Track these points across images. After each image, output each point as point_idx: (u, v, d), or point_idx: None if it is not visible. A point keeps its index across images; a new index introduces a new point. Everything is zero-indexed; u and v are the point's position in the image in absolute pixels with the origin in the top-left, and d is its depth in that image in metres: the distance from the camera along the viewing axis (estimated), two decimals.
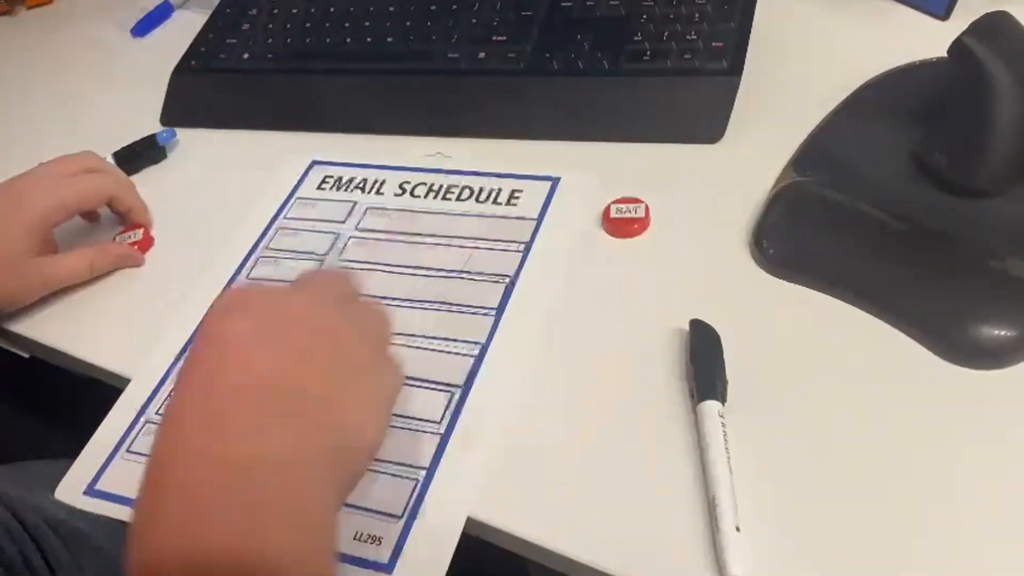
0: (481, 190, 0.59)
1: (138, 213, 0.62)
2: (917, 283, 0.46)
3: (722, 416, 0.42)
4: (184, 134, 0.70)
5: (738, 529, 0.39)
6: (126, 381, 0.54)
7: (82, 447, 0.51)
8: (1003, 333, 0.43)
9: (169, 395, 0.51)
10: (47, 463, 0.55)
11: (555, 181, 0.58)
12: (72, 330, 0.58)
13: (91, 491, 0.49)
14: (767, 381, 0.45)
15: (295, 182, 0.64)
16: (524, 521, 0.42)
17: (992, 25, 0.48)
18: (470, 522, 0.43)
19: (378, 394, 0.38)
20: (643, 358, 0.47)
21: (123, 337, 0.56)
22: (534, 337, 0.50)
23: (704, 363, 0.44)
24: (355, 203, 0.61)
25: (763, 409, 0.44)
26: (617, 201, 0.54)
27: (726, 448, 0.41)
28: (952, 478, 0.40)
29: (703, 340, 0.45)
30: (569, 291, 0.52)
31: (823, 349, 0.46)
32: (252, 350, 0.34)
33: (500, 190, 0.58)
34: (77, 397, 0.70)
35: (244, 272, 0.58)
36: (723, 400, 0.43)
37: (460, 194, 0.59)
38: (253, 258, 0.59)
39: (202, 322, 0.39)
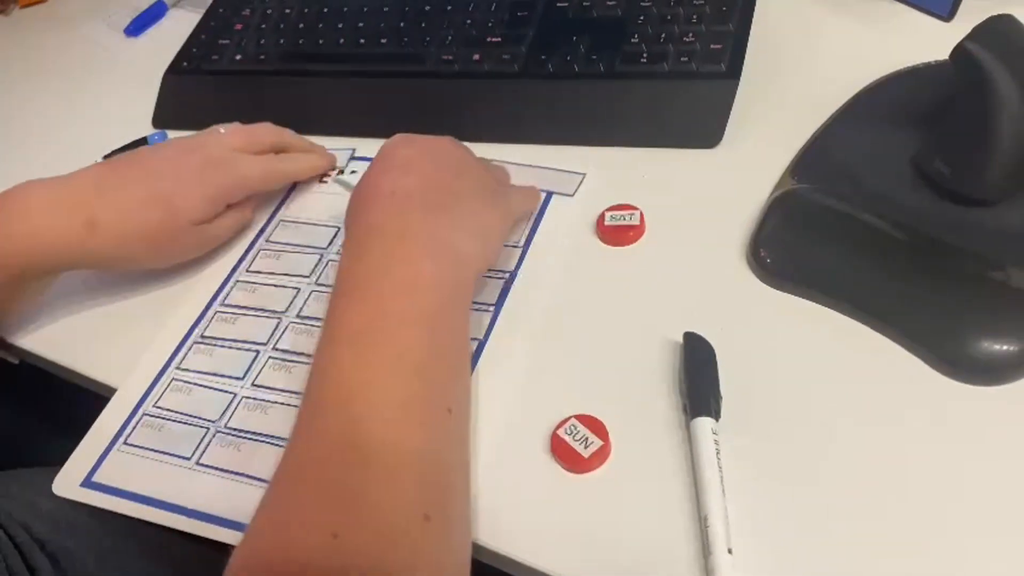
0: None
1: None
2: (916, 295, 0.45)
3: (715, 433, 0.41)
4: (176, 136, 0.69)
5: (730, 551, 0.38)
6: (112, 390, 0.53)
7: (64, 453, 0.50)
8: (1004, 348, 0.42)
9: (164, 392, 0.53)
10: (36, 471, 0.55)
11: (549, 194, 0.57)
12: (59, 336, 0.57)
13: (88, 483, 0.49)
14: (762, 396, 0.44)
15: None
16: (511, 540, 0.42)
17: (996, 29, 0.47)
18: None
19: (506, 210, 0.51)
20: (636, 370, 0.46)
21: (112, 344, 0.56)
22: (530, 336, 0.49)
23: (698, 378, 0.43)
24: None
25: (758, 425, 0.43)
26: (611, 208, 0.53)
27: (719, 467, 0.40)
28: (951, 497, 0.39)
29: (697, 354, 0.44)
30: (563, 299, 0.51)
31: (820, 363, 0.45)
32: (417, 165, 0.48)
33: None
34: (68, 402, 0.70)
35: (243, 266, 0.58)
36: (717, 416, 0.42)
37: None
38: (253, 251, 0.59)
39: (376, 153, 0.50)
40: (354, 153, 0.63)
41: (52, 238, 0.51)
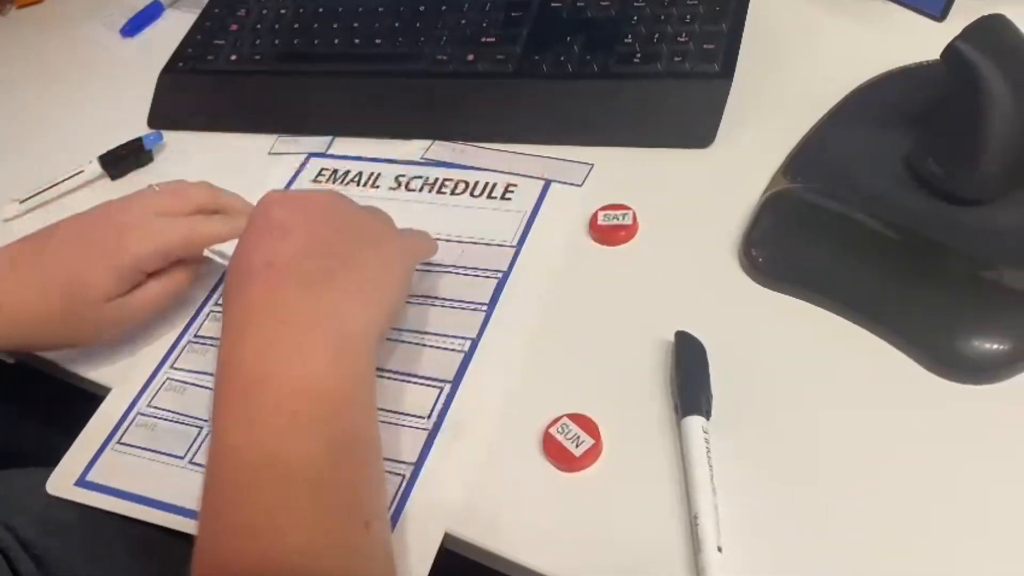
0: (476, 184, 0.59)
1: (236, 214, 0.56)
2: (908, 294, 0.45)
3: (706, 432, 0.41)
4: (171, 137, 0.70)
5: (720, 549, 0.38)
6: (106, 390, 0.54)
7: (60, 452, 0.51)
8: (995, 347, 0.42)
9: (158, 392, 0.53)
10: (28, 471, 0.55)
11: (547, 183, 0.57)
12: None
13: (82, 482, 0.49)
14: (753, 395, 0.44)
15: (291, 175, 0.64)
16: (503, 537, 0.42)
17: (987, 29, 0.47)
18: (449, 538, 0.43)
19: (399, 255, 0.48)
20: (628, 369, 0.46)
21: (105, 346, 0.56)
22: (524, 335, 0.49)
23: (689, 377, 0.44)
24: (355, 197, 0.60)
25: (749, 424, 0.43)
26: (604, 208, 0.53)
27: (709, 465, 0.40)
28: (942, 495, 0.39)
29: (688, 353, 0.44)
30: (556, 299, 0.51)
31: (812, 362, 0.45)
32: (295, 227, 0.44)
33: (495, 184, 0.58)
34: (63, 402, 0.70)
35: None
36: (708, 415, 0.42)
37: (455, 188, 0.59)
38: None
39: (250, 216, 0.46)
40: (349, 163, 0.63)
41: None
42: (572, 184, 0.57)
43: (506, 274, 0.53)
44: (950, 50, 0.47)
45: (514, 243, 0.54)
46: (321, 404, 0.39)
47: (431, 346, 0.50)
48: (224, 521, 0.38)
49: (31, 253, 0.51)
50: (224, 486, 0.38)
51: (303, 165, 0.64)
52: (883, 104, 0.54)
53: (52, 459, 0.51)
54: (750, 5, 0.60)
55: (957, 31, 0.47)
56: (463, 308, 0.52)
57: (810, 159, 0.53)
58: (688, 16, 0.60)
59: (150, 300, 0.52)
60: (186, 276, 0.54)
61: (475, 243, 0.55)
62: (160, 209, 0.52)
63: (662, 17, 0.60)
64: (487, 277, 0.53)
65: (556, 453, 0.43)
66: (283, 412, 0.39)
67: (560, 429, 0.44)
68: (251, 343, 0.40)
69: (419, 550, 0.42)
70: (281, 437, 0.38)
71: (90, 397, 0.55)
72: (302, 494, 0.37)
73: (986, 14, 0.47)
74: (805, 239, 0.49)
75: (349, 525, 0.37)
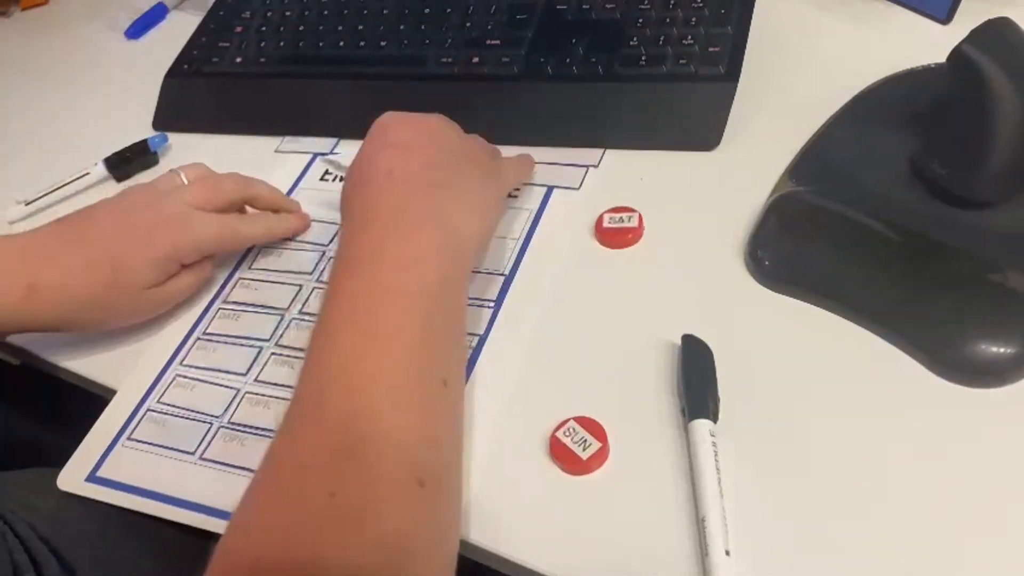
0: None
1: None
2: (914, 297, 0.45)
3: (713, 436, 0.41)
4: (176, 139, 0.70)
5: (728, 553, 0.38)
6: (112, 392, 0.54)
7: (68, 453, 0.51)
8: (1001, 350, 0.42)
9: (168, 388, 0.53)
10: (36, 472, 0.55)
11: (549, 189, 0.57)
12: (60, 339, 0.57)
13: (93, 478, 0.50)
14: (760, 398, 0.44)
15: (298, 174, 0.64)
16: (510, 540, 0.42)
17: (993, 32, 0.47)
18: None
19: (500, 186, 0.53)
20: (635, 372, 0.46)
21: (112, 347, 0.56)
22: (529, 333, 0.50)
23: (696, 381, 0.44)
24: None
25: (756, 427, 0.43)
26: (610, 210, 0.53)
27: (717, 469, 0.40)
28: (948, 498, 0.39)
29: (695, 356, 0.44)
30: (561, 301, 0.51)
31: (818, 365, 0.45)
32: (415, 143, 0.48)
33: None
34: (69, 404, 0.70)
35: (245, 264, 0.59)
36: (715, 419, 0.42)
37: None
38: (255, 248, 0.59)
39: (368, 133, 0.50)
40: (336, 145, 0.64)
41: None
42: (570, 188, 0.57)
43: (512, 273, 0.53)
44: (956, 53, 0.47)
45: (519, 243, 0.55)
46: (427, 274, 0.43)
47: None
48: (323, 349, 0.42)
49: (75, 236, 0.53)
50: (329, 322, 0.43)
51: (309, 165, 0.64)
52: (888, 107, 0.54)
53: (59, 460, 0.51)
54: (755, 8, 0.60)
55: (962, 34, 0.47)
56: (470, 305, 0.52)
57: (816, 162, 0.53)
58: (693, 19, 0.60)
59: (181, 290, 0.55)
60: (211, 270, 0.56)
61: None
62: (196, 201, 0.54)
63: (667, 20, 0.60)
64: (494, 275, 0.53)
65: (563, 456, 0.43)
66: (392, 283, 0.43)
67: (567, 432, 0.44)
68: (372, 232, 0.45)
69: None
70: (390, 296, 0.42)
71: (96, 398, 0.55)
72: (396, 347, 0.41)
73: (992, 17, 0.47)
74: (811, 242, 0.49)
75: (431, 379, 0.42)
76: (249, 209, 0.59)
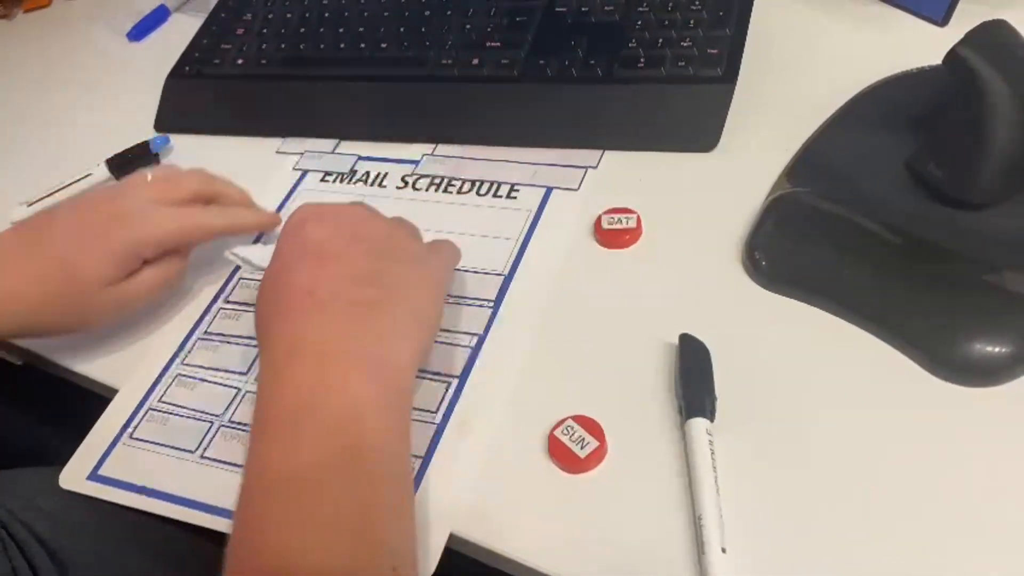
0: (482, 183, 0.59)
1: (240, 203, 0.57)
2: (911, 298, 0.46)
3: (710, 434, 0.42)
4: (178, 140, 0.70)
5: (724, 551, 0.38)
6: (113, 392, 0.54)
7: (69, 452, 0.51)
8: (997, 350, 0.43)
9: (169, 387, 0.53)
10: (37, 471, 0.55)
11: (548, 190, 0.57)
12: (62, 338, 0.57)
13: (94, 476, 0.50)
14: (757, 397, 0.44)
15: (299, 176, 0.64)
16: (508, 539, 0.42)
17: (989, 35, 0.47)
18: (454, 538, 0.43)
19: (434, 276, 0.47)
20: (632, 372, 0.47)
21: (114, 346, 0.56)
22: (529, 334, 0.50)
23: (693, 379, 0.44)
24: (362, 196, 0.61)
25: (753, 426, 0.43)
26: (609, 211, 0.54)
27: (713, 467, 0.41)
28: (945, 497, 0.40)
29: (692, 355, 0.45)
30: (560, 301, 0.51)
31: (815, 365, 0.45)
32: (335, 249, 0.43)
33: (500, 184, 0.59)
34: (70, 403, 0.70)
35: (248, 266, 0.58)
36: (712, 417, 0.43)
37: (461, 187, 0.60)
38: (258, 251, 0.59)
39: (282, 231, 0.46)
40: (356, 163, 0.64)
41: None
42: (569, 189, 0.57)
43: (511, 273, 0.53)
44: (952, 55, 0.47)
45: (519, 243, 0.55)
46: (365, 435, 0.39)
47: (439, 341, 0.51)
48: (254, 540, 0.37)
49: (29, 240, 0.52)
50: (257, 507, 0.38)
51: (301, 179, 0.64)
52: (885, 108, 0.55)
53: (60, 459, 0.52)
54: (753, 10, 0.60)
55: (959, 36, 0.48)
56: (470, 304, 0.52)
57: (813, 163, 0.53)
58: (692, 21, 0.60)
59: (145, 287, 0.52)
60: (180, 265, 0.54)
61: (482, 239, 0.56)
62: (156, 196, 0.52)
63: (666, 22, 0.61)
64: (493, 275, 0.53)
65: (561, 455, 0.43)
66: (326, 446, 0.38)
67: (565, 431, 0.44)
68: (296, 375, 0.40)
69: (424, 550, 0.43)
70: (322, 470, 0.37)
71: (97, 398, 0.56)
72: (335, 529, 0.36)
73: (988, 20, 0.48)
74: (808, 243, 0.49)
75: (378, 567, 0.36)
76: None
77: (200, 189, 0.54)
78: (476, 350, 0.50)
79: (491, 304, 0.52)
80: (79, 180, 0.67)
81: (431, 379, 0.49)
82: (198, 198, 0.54)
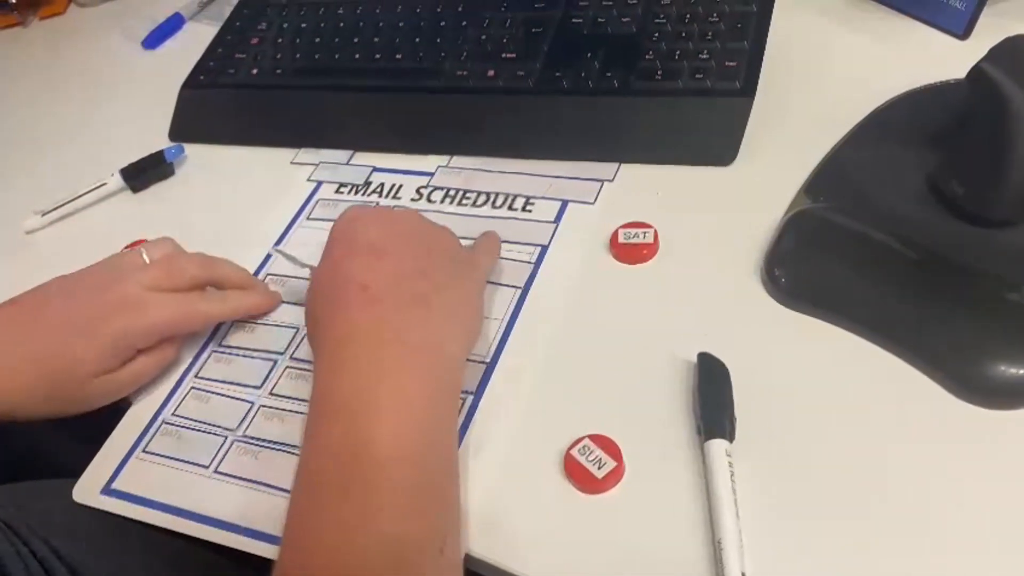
0: (497, 195, 0.59)
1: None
2: (932, 317, 0.45)
3: (729, 456, 0.41)
4: (193, 150, 0.70)
5: (743, 575, 0.38)
6: (127, 404, 0.54)
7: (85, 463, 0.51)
8: (1019, 371, 0.42)
9: (183, 401, 0.53)
10: (51, 483, 0.55)
11: (564, 203, 0.57)
12: None
13: (108, 490, 0.50)
14: (777, 418, 0.44)
15: (314, 187, 0.64)
16: (524, 559, 0.42)
17: (1012, 50, 0.47)
18: (469, 559, 0.42)
19: (477, 278, 0.49)
20: (650, 390, 0.46)
21: None
22: (544, 350, 0.50)
23: (712, 399, 0.43)
24: (376, 204, 0.61)
25: (772, 447, 0.43)
26: (625, 226, 0.53)
27: (733, 490, 0.40)
28: (970, 521, 0.39)
29: (711, 375, 0.44)
30: (576, 316, 0.51)
31: (835, 385, 0.44)
32: (388, 246, 0.45)
33: (516, 196, 0.59)
34: (84, 416, 0.70)
35: (263, 272, 0.59)
36: (731, 438, 0.42)
37: (476, 200, 0.59)
38: (271, 260, 0.60)
39: (332, 229, 0.47)
40: (371, 174, 0.64)
41: None
42: (585, 203, 0.57)
43: (527, 287, 0.53)
44: (976, 71, 0.46)
45: (534, 256, 0.55)
46: (418, 421, 0.40)
47: None
48: (308, 535, 0.38)
49: (23, 327, 0.51)
50: (323, 499, 0.39)
51: (313, 193, 0.64)
52: (906, 123, 0.54)
53: (74, 472, 0.52)
54: (772, 23, 0.59)
55: (980, 49, 0.47)
56: (485, 318, 0.52)
57: (832, 178, 0.53)
58: (710, 33, 0.59)
59: (137, 375, 0.52)
60: (174, 351, 0.54)
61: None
62: (153, 283, 0.51)
63: (683, 34, 0.60)
64: (508, 287, 0.53)
65: (578, 475, 0.43)
66: (383, 445, 0.39)
67: (582, 450, 0.44)
68: (351, 365, 0.41)
69: None
70: (376, 466, 0.39)
71: (110, 411, 0.55)
72: (386, 520, 0.38)
73: (1012, 35, 0.47)
74: (828, 259, 0.49)
75: (428, 549, 0.38)
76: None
77: (199, 274, 0.53)
78: (492, 365, 0.50)
79: (506, 319, 0.52)
80: (93, 189, 0.67)
81: None
82: (197, 283, 0.53)
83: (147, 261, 0.53)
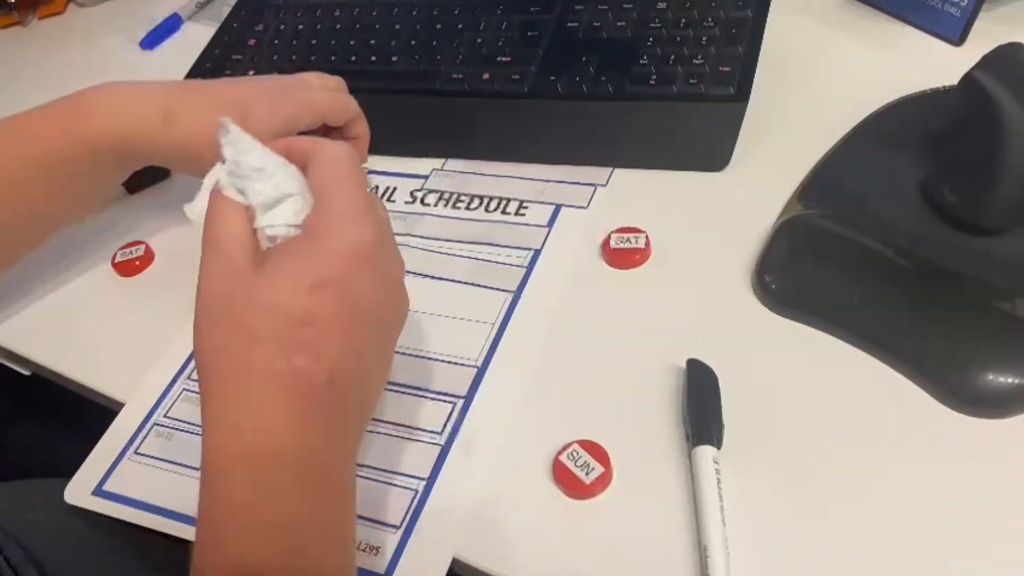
0: (491, 199, 0.59)
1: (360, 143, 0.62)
2: (922, 324, 0.45)
3: (717, 463, 0.41)
4: None
5: None
6: (120, 405, 0.54)
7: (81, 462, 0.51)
8: (1009, 380, 0.42)
9: (175, 403, 0.53)
10: (39, 483, 0.55)
11: (557, 207, 0.57)
12: (69, 349, 0.57)
13: (99, 492, 0.50)
14: (765, 424, 0.44)
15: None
16: (510, 563, 0.42)
17: (1005, 58, 0.47)
18: (457, 563, 0.43)
19: (390, 346, 0.41)
20: (639, 396, 0.46)
21: (121, 357, 0.56)
22: (535, 354, 0.50)
23: (700, 406, 0.43)
24: None
25: (760, 454, 0.43)
26: (618, 231, 0.53)
27: (720, 496, 0.40)
28: (956, 532, 0.39)
29: (700, 382, 0.44)
30: (567, 321, 0.51)
31: (824, 393, 0.44)
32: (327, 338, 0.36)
33: (509, 200, 0.59)
34: (77, 415, 0.70)
35: None
36: (719, 445, 0.42)
37: (470, 203, 0.59)
38: None
39: None
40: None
41: (130, 123, 0.53)
42: (578, 207, 0.57)
43: (518, 291, 0.53)
44: (968, 79, 0.46)
45: (527, 261, 0.55)
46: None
47: (446, 361, 0.51)
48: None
49: (213, 84, 0.58)
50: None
51: None
52: (899, 129, 0.54)
53: (65, 472, 0.52)
54: (767, 28, 0.59)
55: (975, 56, 0.47)
56: (476, 323, 0.52)
57: (825, 185, 0.53)
58: (704, 38, 0.59)
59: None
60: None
61: (487, 260, 0.55)
62: (316, 83, 0.59)
63: (678, 39, 0.60)
64: (500, 291, 0.53)
65: (566, 480, 0.43)
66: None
67: (570, 456, 0.44)
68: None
69: (429, 571, 0.42)
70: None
71: (102, 410, 0.56)
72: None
73: (1005, 43, 0.47)
74: (819, 266, 0.49)
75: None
76: None
77: (353, 109, 0.60)
78: (482, 370, 0.50)
79: (497, 324, 0.52)
80: None
81: (437, 399, 0.49)
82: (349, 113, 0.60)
83: (319, 82, 0.60)
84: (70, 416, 0.73)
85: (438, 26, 0.68)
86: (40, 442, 0.73)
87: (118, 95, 0.54)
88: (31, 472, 0.58)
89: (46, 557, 0.49)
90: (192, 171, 0.55)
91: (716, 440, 0.42)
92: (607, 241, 0.53)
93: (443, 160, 0.63)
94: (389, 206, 0.61)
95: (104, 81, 0.58)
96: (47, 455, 0.72)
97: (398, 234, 0.55)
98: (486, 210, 0.59)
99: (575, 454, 0.44)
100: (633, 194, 0.56)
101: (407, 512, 0.44)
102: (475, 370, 0.50)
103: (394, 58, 0.67)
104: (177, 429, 0.52)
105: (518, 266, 0.55)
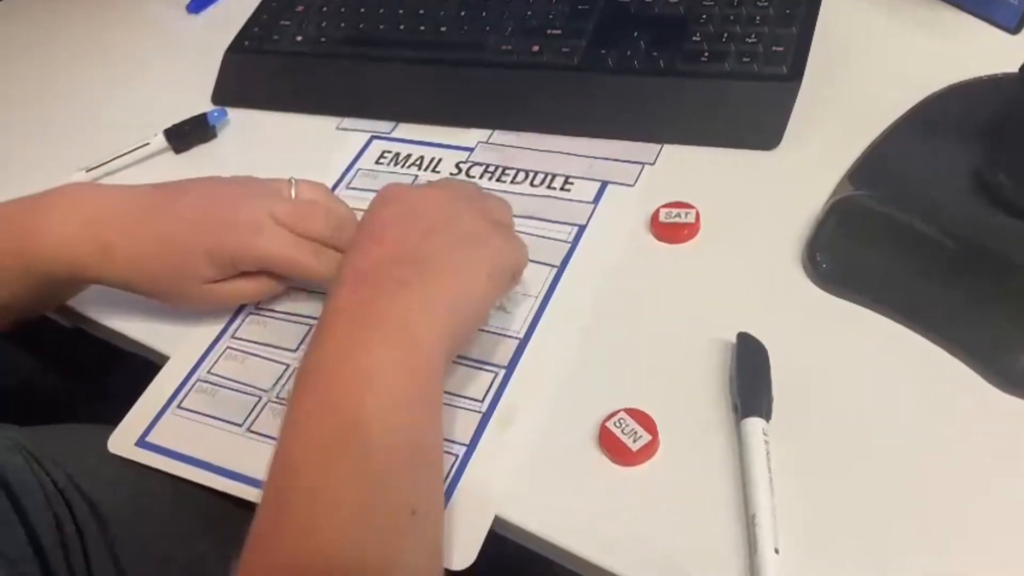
0: (536, 173, 0.59)
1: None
2: (972, 307, 0.45)
3: (766, 434, 0.41)
4: (235, 114, 0.70)
5: (777, 551, 0.38)
6: (164, 358, 0.55)
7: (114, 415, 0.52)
8: None
9: (218, 360, 0.54)
10: (83, 428, 0.56)
11: (604, 184, 0.57)
12: (114, 303, 0.58)
13: (142, 443, 0.51)
14: (813, 400, 0.44)
15: (355, 155, 0.65)
16: (555, 526, 0.42)
17: None
18: (500, 522, 0.43)
19: (488, 260, 0.45)
20: (686, 368, 0.46)
21: (166, 315, 0.57)
22: (579, 326, 0.50)
23: (750, 378, 0.44)
24: (415, 177, 0.62)
25: (808, 428, 0.43)
26: (667, 205, 0.53)
27: (768, 467, 0.40)
28: (1000, 512, 0.39)
29: (750, 355, 0.44)
30: (614, 294, 0.51)
31: (872, 370, 0.44)
32: (389, 230, 0.45)
33: (555, 176, 0.59)
34: (118, 370, 0.71)
35: None
36: (768, 417, 0.42)
37: (515, 177, 0.60)
38: None
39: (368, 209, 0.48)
40: (411, 146, 0.64)
41: (75, 256, 0.51)
42: (625, 184, 0.57)
43: (563, 265, 0.53)
44: None
45: (571, 235, 0.55)
46: (384, 393, 0.40)
47: (487, 331, 0.51)
48: (283, 490, 0.40)
49: (160, 210, 0.53)
50: (293, 456, 0.40)
51: (366, 146, 0.65)
52: (954, 115, 0.54)
53: (102, 420, 0.52)
54: (821, 9, 0.59)
55: None
56: (520, 295, 0.52)
57: (877, 167, 0.52)
58: (758, 17, 0.59)
59: (236, 294, 0.54)
60: (276, 286, 0.54)
61: (533, 233, 0.55)
62: (281, 219, 0.51)
63: (731, 17, 0.60)
64: (544, 265, 0.53)
65: (612, 446, 0.43)
66: (351, 395, 0.40)
67: (617, 423, 0.44)
68: (331, 342, 0.42)
69: (469, 531, 0.43)
70: (343, 420, 0.40)
71: (141, 367, 0.56)
72: (355, 478, 0.39)
73: None
74: (870, 247, 0.49)
75: (396, 510, 0.39)
76: None
77: (325, 233, 0.52)
78: (525, 341, 0.50)
79: (541, 295, 0.52)
80: (137, 148, 0.68)
81: (478, 368, 0.49)
82: (321, 240, 0.52)
83: (292, 196, 0.54)
84: (105, 375, 0.74)
85: None
86: (72, 398, 0.74)
87: (68, 223, 0.52)
88: (63, 420, 0.59)
89: (86, 488, 0.50)
90: (144, 296, 0.54)
91: (766, 413, 0.42)
92: (656, 215, 0.53)
93: (489, 132, 0.63)
94: (434, 177, 0.61)
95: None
96: (79, 405, 0.73)
97: None
98: (531, 184, 0.59)
99: (622, 421, 0.44)
100: (682, 172, 0.56)
101: (448, 476, 0.45)
102: (517, 341, 0.50)
103: (443, 28, 0.67)
104: (220, 386, 0.52)
105: (563, 241, 0.55)
